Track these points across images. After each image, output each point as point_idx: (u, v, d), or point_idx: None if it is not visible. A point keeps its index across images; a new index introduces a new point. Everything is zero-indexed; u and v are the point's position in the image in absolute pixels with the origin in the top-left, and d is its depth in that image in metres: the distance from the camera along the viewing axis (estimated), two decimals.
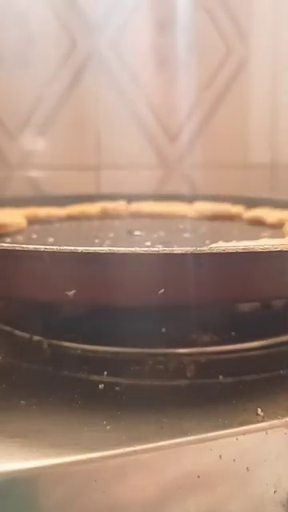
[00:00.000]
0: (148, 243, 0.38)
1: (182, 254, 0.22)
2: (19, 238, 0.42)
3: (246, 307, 0.35)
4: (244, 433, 0.23)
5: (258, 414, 0.23)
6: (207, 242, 0.38)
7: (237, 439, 0.23)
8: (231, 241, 0.34)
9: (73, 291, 0.22)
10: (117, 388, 0.26)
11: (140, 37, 0.71)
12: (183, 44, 0.73)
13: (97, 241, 0.40)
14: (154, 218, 0.54)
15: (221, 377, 0.27)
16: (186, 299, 0.23)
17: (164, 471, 0.22)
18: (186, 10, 0.72)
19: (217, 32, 0.75)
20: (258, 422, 0.23)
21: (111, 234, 0.43)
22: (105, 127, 0.70)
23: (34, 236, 0.43)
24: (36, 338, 0.31)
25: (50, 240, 0.40)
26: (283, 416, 0.24)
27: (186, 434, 0.22)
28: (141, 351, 0.29)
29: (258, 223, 0.50)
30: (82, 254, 0.22)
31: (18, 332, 0.32)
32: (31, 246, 0.25)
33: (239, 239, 0.35)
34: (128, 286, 0.22)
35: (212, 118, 0.76)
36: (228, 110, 0.77)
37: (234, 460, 0.23)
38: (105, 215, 0.55)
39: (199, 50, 0.73)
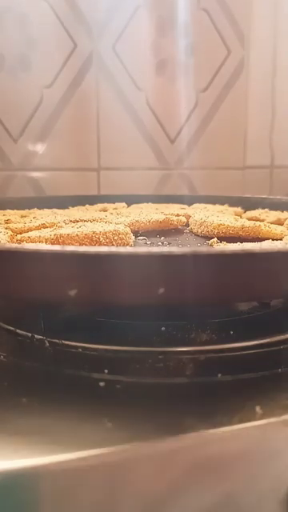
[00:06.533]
0: (148, 243, 0.38)
1: (182, 255, 0.22)
2: None
3: (244, 306, 0.35)
4: (243, 430, 0.23)
5: (256, 412, 0.24)
6: (206, 242, 0.38)
7: (235, 437, 0.23)
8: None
9: (74, 291, 0.22)
10: (117, 386, 0.26)
11: (140, 38, 0.71)
12: (183, 46, 0.73)
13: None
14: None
15: (220, 375, 0.27)
16: (186, 299, 0.23)
17: (164, 468, 0.22)
18: (186, 11, 0.72)
19: (217, 33, 0.75)
20: (257, 419, 0.23)
21: None
22: (105, 128, 0.71)
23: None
24: (37, 336, 0.31)
25: None
26: (282, 414, 0.24)
27: (185, 431, 0.22)
28: (141, 350, 0.29)
29: None
30: (82, 254, 0.22)
31: (19, 331, 0.32)
32: (32, 247, 0.25)
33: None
34: (128, 285, 0.23)
35: (211, 120, 0.77)
36: (227, 112, 0.77)
37: (233, 457, 0.23)
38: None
39: (199, 51, 0.74)
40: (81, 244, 0.31)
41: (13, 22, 0.65)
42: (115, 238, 0.32)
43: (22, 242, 0.33)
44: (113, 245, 0.32)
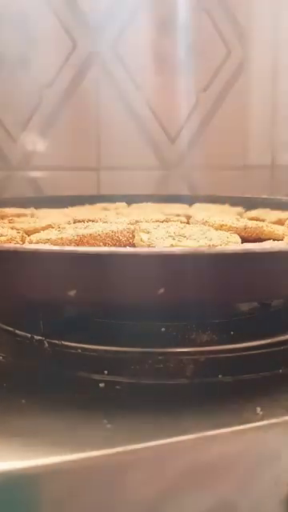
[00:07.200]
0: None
1: (182, 255, 0.22)
2: None
3: (245, 307, 0.35)
4: (243, 431, 0.23)
5: (257, 413, 0.24)
6: None
7: (236, 438, 0.23)
8: None
9: (74, 291, 0.22)
10: (117, 387, 0.26)
11: (140, 38, 0.71)
12: (183, 45, 0.73)
13: None
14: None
15: (220, 376, 0.27)
16: (186, 299, 0.23)
17: (163, 469, 0.22)
18: (186, 11, 0.72)
19: (217, 33, 0.75)
20: (257, 420, 0.23)
21: None
22: (105, 128, 0.71)
23: None
24: (37, 337, 0.31)
25: None
26: (282, 415, 0.24)
27: (185, 432, 0.22)
28: (141, 350, 0.29)
29: None
30: (82, 254, 0.22)
31: (19, 332, 0.32)
32: (32, 247, 0.25)
33: None
34: (128, 285, 0.23)
35: (211, 119, 0.77)
36: (227, 111, 0.77)
37: (233, 458, 0.23)
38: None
39: (199, 51, 0.74)
40: (104, 243, 0.31)
41: (12, 21, 0.65)
42: (130, 236, 0.32)
43: (38, 243, 0.32)
44: (130, 243, 0.32)
